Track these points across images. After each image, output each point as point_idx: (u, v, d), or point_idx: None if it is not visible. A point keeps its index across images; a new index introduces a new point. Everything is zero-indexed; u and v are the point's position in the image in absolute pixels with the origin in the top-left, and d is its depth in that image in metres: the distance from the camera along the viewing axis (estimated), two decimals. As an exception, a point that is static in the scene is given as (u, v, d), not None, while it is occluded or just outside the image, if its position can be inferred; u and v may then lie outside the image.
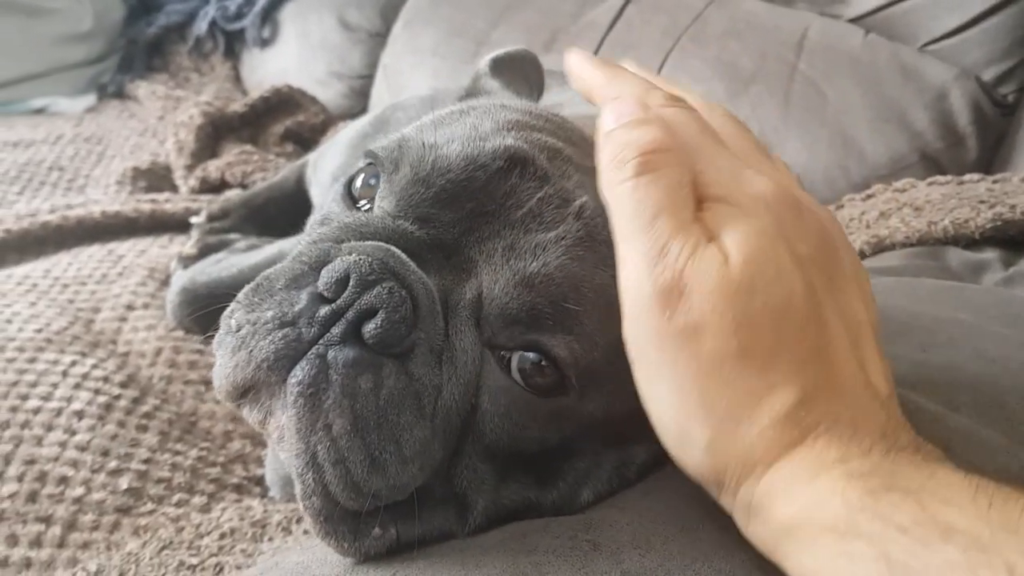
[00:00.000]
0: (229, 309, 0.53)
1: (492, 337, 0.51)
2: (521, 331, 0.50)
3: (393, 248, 0.51)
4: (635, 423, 0.53)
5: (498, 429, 0.51)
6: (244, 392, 0.51)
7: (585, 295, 0.50)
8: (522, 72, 0.82)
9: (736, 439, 0.43)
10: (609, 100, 0.52)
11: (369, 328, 0.47)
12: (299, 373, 0.47)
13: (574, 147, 0.60)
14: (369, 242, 0.52)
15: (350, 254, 0.49)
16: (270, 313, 0.50)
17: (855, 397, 0.44)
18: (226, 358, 0.51)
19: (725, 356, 0.43)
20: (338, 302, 0.48)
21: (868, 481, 0.39)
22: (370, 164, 0.59)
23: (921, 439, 0.44)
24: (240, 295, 0.53)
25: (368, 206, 0.58)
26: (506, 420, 0.51)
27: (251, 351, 0.49)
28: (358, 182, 0.59)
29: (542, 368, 0.51)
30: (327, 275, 0.49)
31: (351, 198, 0.60)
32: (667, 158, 0.46)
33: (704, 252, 0.44)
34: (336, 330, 0.48)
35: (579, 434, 0.54)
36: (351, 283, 0.48)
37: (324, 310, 0.48)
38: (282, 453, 0.50)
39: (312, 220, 0.64)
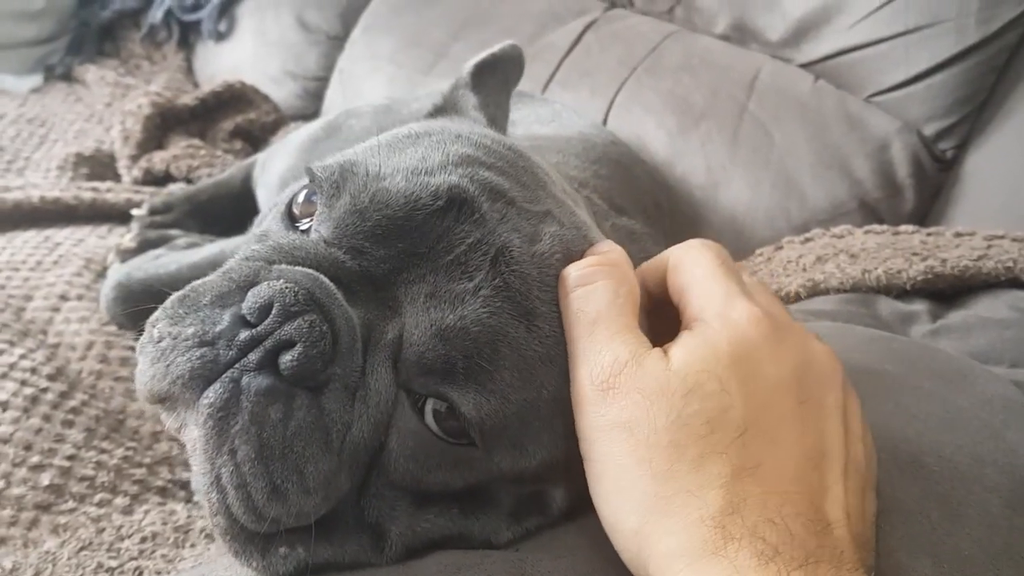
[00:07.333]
0: (154, 316, 0.53)
1: (407, 381, 0.51)
2: (435, 381, 0.51)
3: (322, 277, 0.51)
4: (549, 473, 0.54)
5: (402, 469, 0.52)
6: (161, 400, 0.51)
7: (500, 351, 0.50)
8: (503, 75, 0.83)
9: (661, 531, 0.45)
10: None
11: (286, 359, 0.48)
12: (211, 395, 0.48)
13: (522, 188, 0.59)
14: (299, 268, 0.52)
15: (278, 279, 0.50)
16: (191, 329, 0.50)
17: (786, 521, 0.44)
18: (146, 365, 0.51)
19: (656, 450, 0.46)
20: (259, 328, 0.49)
21: None
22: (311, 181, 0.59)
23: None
24: (167, 303, 0.53)
25: (307, 225, 0.57)
26: (411, 462, 0.52)
27: (168, 365, 0.49)
28: (300, 197, 0.59)
29: (454, 413, 0.51)
30: (252, 299, 0.49)
31: (290, 217, 0.59)
32: (602, 273, 0.53)
33: (644, 356, 0.49)
34: (253, 356, 0.48)
35: (485, 482, 0.54)
36: (274, 311, 0.48)
37: (244, 335, 0.49)
38: (193, 466, 0.51)
39: (253, 231, 0.64)
